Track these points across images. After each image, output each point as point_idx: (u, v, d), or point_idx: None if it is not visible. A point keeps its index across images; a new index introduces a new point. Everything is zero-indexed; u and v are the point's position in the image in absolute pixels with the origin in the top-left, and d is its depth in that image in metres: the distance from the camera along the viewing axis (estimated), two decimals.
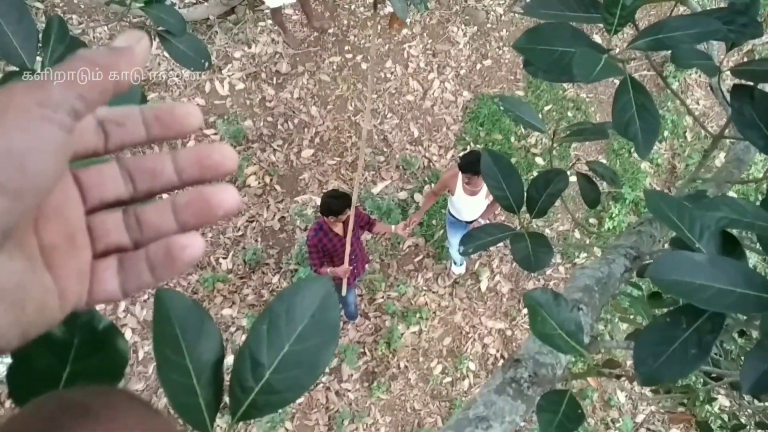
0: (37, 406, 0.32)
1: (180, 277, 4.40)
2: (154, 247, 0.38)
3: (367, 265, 4.10)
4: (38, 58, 1.09)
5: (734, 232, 1.12)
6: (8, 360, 0.59)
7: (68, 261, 0.36)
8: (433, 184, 4.93)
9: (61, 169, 0.32)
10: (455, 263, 4.67)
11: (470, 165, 3.35)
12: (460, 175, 3.65)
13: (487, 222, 4.19)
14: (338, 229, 3.52)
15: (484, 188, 3.63)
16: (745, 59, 5.72)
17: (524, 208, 1.64)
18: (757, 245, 1.16)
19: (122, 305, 4.29)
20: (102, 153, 0.38)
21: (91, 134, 0.37)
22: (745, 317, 1.25)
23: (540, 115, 5.29)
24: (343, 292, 3.66)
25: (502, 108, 1.80)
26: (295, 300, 0.65)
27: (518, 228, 1.61)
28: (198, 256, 0.38)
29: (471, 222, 4.02)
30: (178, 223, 0.38)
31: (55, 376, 0.60)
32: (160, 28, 1.66)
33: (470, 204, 3.82)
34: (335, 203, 3.28)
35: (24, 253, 0.33)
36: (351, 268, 3.52)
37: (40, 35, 1.13)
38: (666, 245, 1.82)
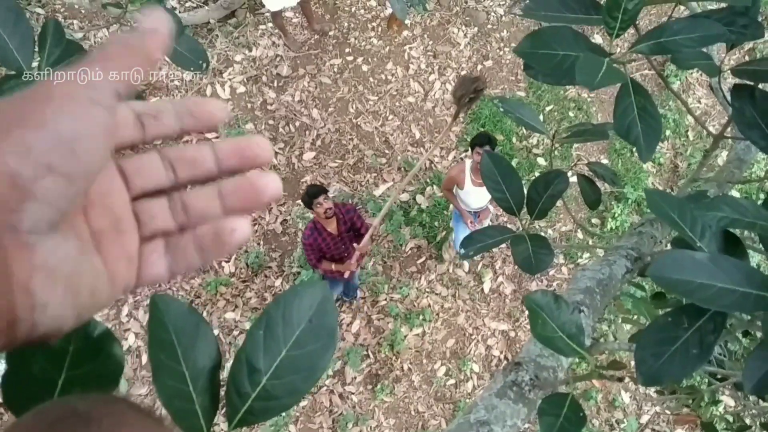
0: (39, 414, 0.32)
1: (183, 280, 4.40)
2: (201, 230, 0.40)
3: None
4: (35, 63, 1.09)
5: (736, 231, 1.11)
6: (2, 366, 0.59)
7: (116, 246, 0.37)
8: (435, 186, 4.92)
9: (108, 150, 0.33)
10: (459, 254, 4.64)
11: (481, 136, 3.69)
12: (467, 169, 3.85)
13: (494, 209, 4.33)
14: (332, 228, 3.56)
15: None
16: (746, 58, 5.70)
17: (525, 209, 1.63)
18: (759, 245, 1.16)
19: (125, 309, 4.29)
20: (140, 144, 0.40)
21: (131, 127, 0.39)
22: (747, 317, 1.25)
23: (541, 116, 5.30)
24: (346, 275, 3.72)
25: (502, 110, 1.80)
26: (292, 304, 0.64)
27: (519, 230, 1.61)
28: (246, 238, 0.41)
29: (478, 209, 4.13)
30: (223, 209, 0.40)
31: (51, 382, 0.60)
32: None
33: (479, 194, 3.97)
34: (304, 195, 3.48)
35: (77, 237, 0.34)
36: (356, 262, 3.59)
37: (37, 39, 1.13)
38: (667, 246, 1.81)
